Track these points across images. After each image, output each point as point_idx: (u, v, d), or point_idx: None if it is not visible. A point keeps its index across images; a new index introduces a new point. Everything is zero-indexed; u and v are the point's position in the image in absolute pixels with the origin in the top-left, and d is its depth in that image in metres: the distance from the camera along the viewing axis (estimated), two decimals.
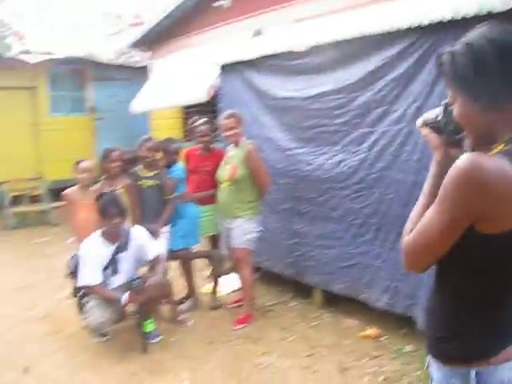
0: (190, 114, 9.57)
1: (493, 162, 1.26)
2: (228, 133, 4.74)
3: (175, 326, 4.69)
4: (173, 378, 3.73)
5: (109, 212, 4.11)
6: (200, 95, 7.33)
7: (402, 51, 4.06)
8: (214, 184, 4.99)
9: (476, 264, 1.37)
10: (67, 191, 4.80)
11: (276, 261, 5.44)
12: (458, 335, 1.43)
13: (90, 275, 4.12)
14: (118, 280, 4.29)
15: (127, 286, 4.12)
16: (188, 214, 5.01)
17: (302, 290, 5.27)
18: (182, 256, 5.02)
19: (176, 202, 4.90)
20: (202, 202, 5.07)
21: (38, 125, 10.73)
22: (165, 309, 4.90)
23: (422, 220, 1.39)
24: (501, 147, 1.32)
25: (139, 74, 11.22)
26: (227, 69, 5.89)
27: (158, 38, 10.00)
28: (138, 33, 10.32)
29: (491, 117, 1.32)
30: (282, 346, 4.25)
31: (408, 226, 1.50)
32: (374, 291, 4.45)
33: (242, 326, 4.64)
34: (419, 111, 3.92)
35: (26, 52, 10.31)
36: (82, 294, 4.34)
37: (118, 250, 4.26)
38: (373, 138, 4.35)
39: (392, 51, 4.12)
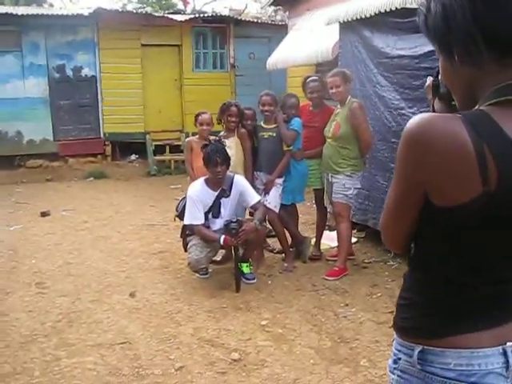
0: (322, 72, 9.63)
1: (443, 123, 1.09)
2: (333, 90, 4.80)
3: (271, 272, 4.97)
4: (254, 316, 4.02)
5: (212, 160, 4.44)
6: (326, 53, 7.37)
7: None
8: (321, 140, 5.10)
9: (438, 240, 1.21)
10: (189, 139, 5.25)
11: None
12: (415, 308, 1.30)
13: (194, 215, 4.52)
14: (219, 223, 4.64)
15: (225, 228, 4.45)
16: (298, 170, 5.18)
17: None
18: (282, 220, 5.20)
19: (291, 156, 5.09)
20: (310, 156, 5.21)
21: (182, 80, 11.50)
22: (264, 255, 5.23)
23: None
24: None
25: (278, 32, 11.42)
26: (345, 27, 5.88)
27: None
28: None
29: (470, 74, 1.15)
30: (367, 300, 4.33)
31: None
32: None
33: (334, 278, 4.77)
34: None
35: (177, 12, 11.00)
36: (187, 234, 4.78)
37: (221, 195, 4.60)
38: None
39: None
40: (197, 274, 4.80)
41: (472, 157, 1.06)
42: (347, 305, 4.24)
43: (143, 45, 10.90)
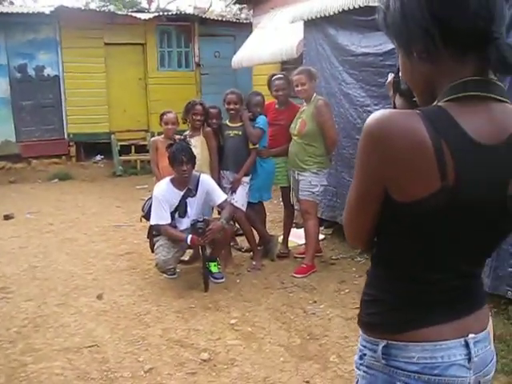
0: (287, 70, 9.67)
1: (402, 120, 1.10)
2: (299, 88, 4.83)
3: (239, 270, 4.97)
4: (223, 315, 4.01)
5: (178, 159, 4.41)
6: (291, 51, 7.40)
7: None
8: (287, 137, 5.12)
9: (399, 235, 1.21)
10: (154, 138, 5.21)
11: None
12: (378, 304, 1.30)
13: (160, 215, 4.48)
14: (185, 223, 4.62)
15: (192, 227, 4.43)
16: (265, 168, 5.18)
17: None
18: (249, 218, 5.19)
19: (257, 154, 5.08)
20: (276, 154, 5.22)
21: (146, 79, 11.39)
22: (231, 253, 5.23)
23: None
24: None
25: (243, 30, 11.43)
26: (310, 25, 5.91)
27: None
28: None
29: (428, 70, 1.16)
30: (335, 297, 4.37)
31: None
32: None
33: (302, 275, 4.80)
34: None
35: (140, 10, 10.88)
36: (153, 234, 4.73)
37: (187, 195, 4.57)
38: None
39: None
40: (164, 275, 4.76)
41: (430, 152, 1.07)
42: (316, 302, 4.27)
43: (107, 43, 10.75)
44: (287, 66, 9.39)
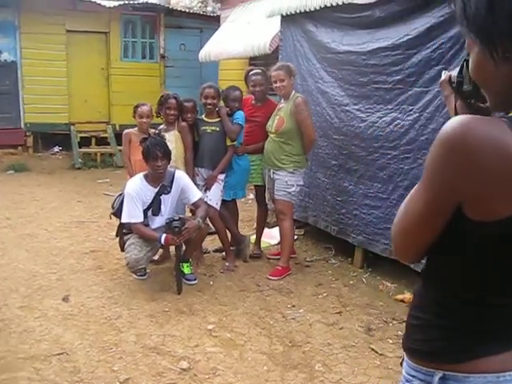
0: (256, 65, 9.50)
1: (488, 127, 0.98)
2: (277, 84, 4.68)
3: (212, 271, 4.78)
4: (200, 320, 3.81)
5: (152, 154, 4.18)
6: (263, 47, 7.23)
7: None
8: (263, 135, 4.97)
9: (462, 255, 1.11)
10: (127, 131, 4.93)
11: (322, 217, 5.39)
12: (431, 329, 1.19)
13: (132, 213, 4.25)
14: (158, 221, 4.40)
15: (167, 226, 4.21)
16: (240, 166, 5.00)
17: (344, 249, 5.22)
18: (222, 217, 5.02)
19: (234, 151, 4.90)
20: (252, 151, 5.05)
21: (109, 69, 11.00)
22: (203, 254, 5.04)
23: (405, 199, 1.15)
24: None
25: (211, 23, 11.20)
26: (288, 20, 5.77)
27: None
28: None
29: (508, 71, 1.02)
30: (313, 301, 4.25)
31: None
32: None
33: (277, 278, 4.66)
34: None
35: None
36: (124, 232, 4.49)
37: (160, 192, 4.35)
38: (427, 97, 4.15)
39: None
40: (134, 275, 4.54)
41: None
42: (294, 306, 4.13)
43: (68, 31, 10.28)
44: (256, 61, 9.25)
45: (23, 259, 4.98)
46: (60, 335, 3.53)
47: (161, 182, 4.34)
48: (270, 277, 4.67)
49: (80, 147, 10.25)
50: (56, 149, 10.57)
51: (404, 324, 3.65)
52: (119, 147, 10.37)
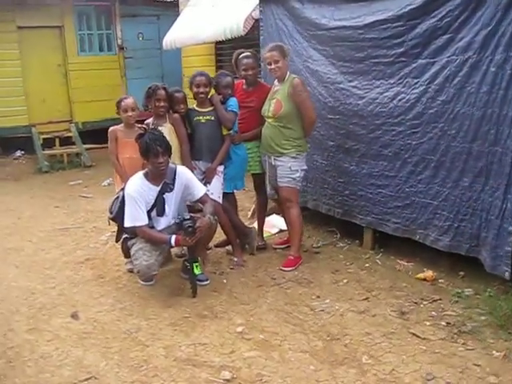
0: (222, 49, 9.20)
1: None
2: (272, 66, 4.44)
3: (221, 268, 4.56)
4: (227, 323, 3.59)
5: (153, 150, 3.89)
6: (236, 28, 6.93)
7: None
8: (258, 120, 4.75)
9: None
10: (113, 128, 4.58)
11: (322, 200, 5.22)
12: None
13: (136, 216, 3.95)
14: (164, 222, 4.12)
15: (178, 226, 3.93)
16: (239, 155, 4.75)
17: (349, 231, 5.08)
18: (226, 210, 4.78)
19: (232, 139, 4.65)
20: (248, 138, 4.81)
21: (66, 65, 10.47)
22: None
23: None
24: None
25: (167, 9, 10.81)
26: None
27: None
28: None
29: None
30: (336, 289, 4.08)
31: None
32: (432, 231, 4.21)
33: (291, 268, 4.47)
34: (489, 38, 3.58)
35: None
36: (126, 237, 4.20)
37: (163, 190, 4.07)
38: (434, 69, 4.00)
39: None
40: (141, 282, 4.26)
41: None
42: (319, 297, 3.96)
43: (20, 27, 9.71)
44: (222, 45, 8.96)
45: (15, 276, 4.62)
46: (81, 357, 3.24)
47: (163, 179, 4.06)
48: (283, 268, 4.48)
49: (44, 149, 9.76)
50: (18, 153, 10.04)
51: (435, 303, 3.54)
52: (85, 146, 9.98)
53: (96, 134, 10.60)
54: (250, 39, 7.30)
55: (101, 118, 10.53)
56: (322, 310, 3.73)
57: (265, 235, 5.24)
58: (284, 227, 5.49)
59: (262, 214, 5.17)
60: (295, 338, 3.37)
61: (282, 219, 5.63)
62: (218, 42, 8.73)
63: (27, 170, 9.45)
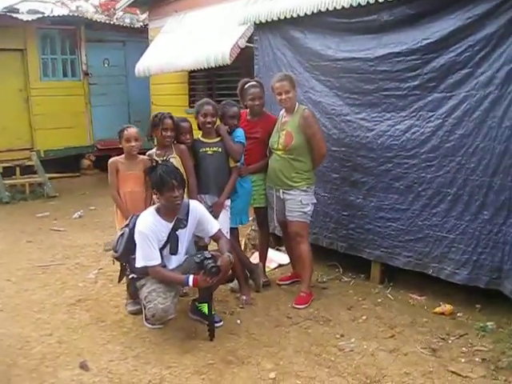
0: (196, 78, 9.03)
1: None
2: (283, 96, 4.33)
3: (230, 307, 4.33)
4: (256, 368, 3.36)
5: (168, 184, 3.65)
6: (222, 57, 6.79)
7: (492, 9, 3.68)
8: (263, 152, 4.63)
9: None
10: (113, 159, 4.30)
11: (324, 234, 5.09)
12: None
13: (149, 255, 3.68)
14: (175, 260, 3.87)
15: (198, 266, 3.67)
16: (245, 188, 4.57)
17: (351, 265, 4.98)
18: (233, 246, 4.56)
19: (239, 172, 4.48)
20: (254, 171, 4.65)
21: (28, 91, 10.01)
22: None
23: None
24: None
25: (134, 35, 10.59)
26: (264, 27, 5.41)
27: None
28: None
29: None
30: (357, 327, 3.94)
31: None
32: (448, 265, 4.16)
33: (304, 305, 4.31)
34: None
35: (13, 11, 9.43)
36: (133, 277, 3.91)
37: (177, 227, 3.82)
38: (451, 103, 4.00)
39: (481, 8, 3.74)
40: (148, 325, 3.98)
41: None
42: (342, 335, 3.80)
43: None
44: (195, 73, 8.80)
45: (2, 321, 4.20)
46: None
47: (175, 215, 3.82)
48: (296, 306, 4.31)
49: (3, 179, 9.19)
50: None
51: (462, 339, 3.45)
52: (48, 175, 9.50)
53: (59, 163, 10.19)
54: (228, 68, 7.19)
55: (64, 146, 10.23)
56: (352, 351, 3.57)
57: (266, 270, 5.05)
58: (282, 262, 5.36)
59: (264, 249, 4.98)
60: (335, 382, 3.19)
61: (280, 253, 5.50)
62: (191, 71, 8.56)
63: None
